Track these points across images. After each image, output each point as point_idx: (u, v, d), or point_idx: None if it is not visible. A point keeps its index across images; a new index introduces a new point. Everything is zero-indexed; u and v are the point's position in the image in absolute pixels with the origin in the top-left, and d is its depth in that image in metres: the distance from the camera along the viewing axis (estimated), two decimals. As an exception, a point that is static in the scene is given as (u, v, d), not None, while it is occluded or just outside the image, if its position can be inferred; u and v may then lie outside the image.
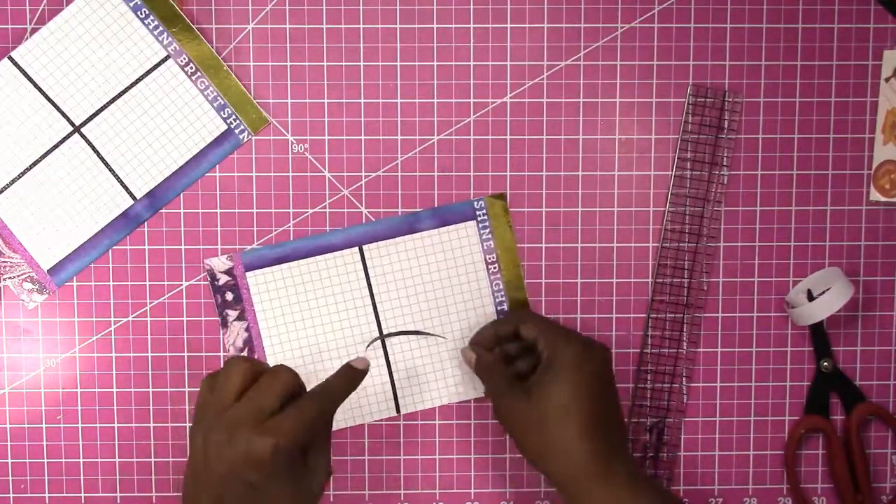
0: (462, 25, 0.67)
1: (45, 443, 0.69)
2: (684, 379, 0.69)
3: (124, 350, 0.68)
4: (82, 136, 0.66)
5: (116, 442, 0.69)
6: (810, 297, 0.67)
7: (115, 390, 0.68)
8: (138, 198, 0.67)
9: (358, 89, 0.67)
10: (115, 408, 0.68)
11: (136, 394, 0.68)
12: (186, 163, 0.67)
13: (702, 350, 0.69)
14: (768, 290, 0.69)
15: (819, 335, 0.69)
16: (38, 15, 0.67)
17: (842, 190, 0.69)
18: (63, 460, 0.69)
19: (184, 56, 0.66)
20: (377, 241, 0.68)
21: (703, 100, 0.67)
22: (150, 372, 0.68)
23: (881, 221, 0.69)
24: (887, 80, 0.67)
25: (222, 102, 0.67)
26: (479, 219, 0.68)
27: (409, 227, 0.68)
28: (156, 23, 0.66)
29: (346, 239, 0.68)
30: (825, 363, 0.69)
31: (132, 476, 0.69)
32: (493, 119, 0.68)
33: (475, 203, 0.68)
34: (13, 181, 0.66)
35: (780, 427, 0.70)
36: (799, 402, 0.70)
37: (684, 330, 0.69)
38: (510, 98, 0.68)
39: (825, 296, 0.65)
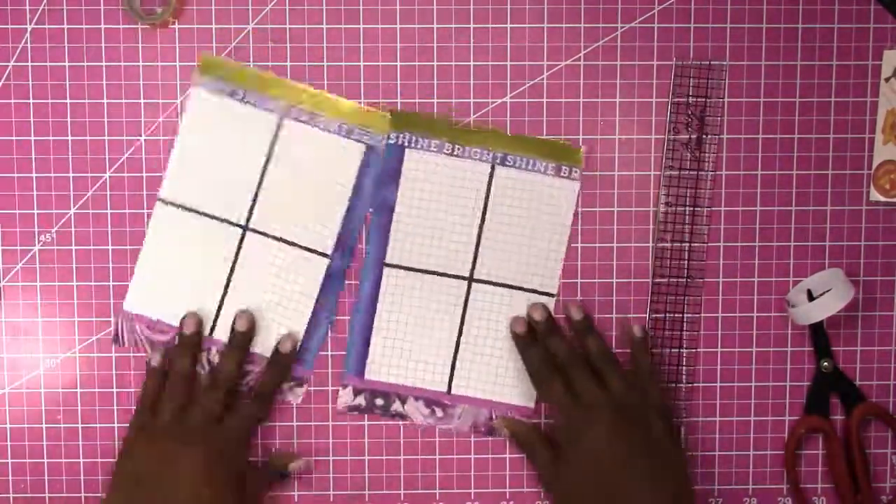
0: (462, 25, 0.67)
1: (45, 443, 0.69)
2: (685, 379, 0.69)
3: (124, 350, 0.68)
4: (254, 231, 0.67)
5: (116, 442, 0.69)
6: (810, 298, 0.67)
7: (115, 390, 0.68)
8: (329, 253, 0.67)
9: (358, 89, 0.67)
10: (115, 408, 0.68)
11: (135, 394, 0.68)
12: (351, 197, 0.67)
13: (702, 350, 0.69)
14: (768, 290, 0.69)
15: (819, 335, 0.69)
16: (38, 15, 0.67)
17: (842, 190, 0.69)
18: (63, 460, 0.69)
19: (291, 109, 0.66)
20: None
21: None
22: (150, 372, 0.68)
23: (881, 221, 0.69)
24: (887, 80, 0.67)
25: (348, 126, 0.67)
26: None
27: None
28: (255, 96, 0.66)
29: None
30: (825, 363, 0.69)
31: (132, 476, 0.69)
32: (493, 119, 0.68)
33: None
34: (221, 303, 0.67)
35: (780, 427, 0.70)
36: (799, 402, 0.70)
37: (684, 330, 0.69)
38: (510, 98, 0.68)
39: (825, 297, 0.65)
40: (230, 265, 0.67)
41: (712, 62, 0.67)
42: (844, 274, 0.67)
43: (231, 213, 0.67)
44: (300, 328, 0.68)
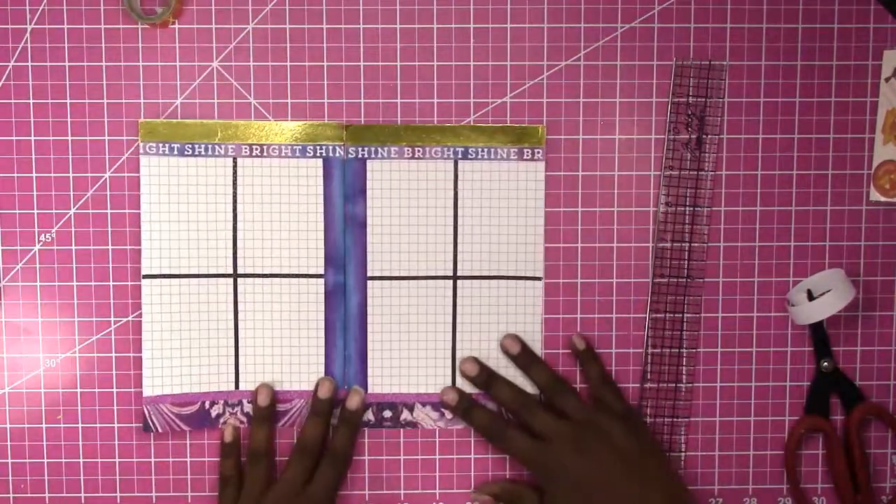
0: (462, 25, 0.67)
1: (44, 443, 0.69)
2: (685, 379, 0.69)
3: (124, 350, 0.68)
4: (245, 275, 0.67)
5: (116, 442, 0.69)
6: (810, 298, 0.67)
7: (115, 390, 0.68)
8: (322, 272, 0.67)
9: (358, 89, 0.67)
10: (115, 408, 0.68)
11: (135, 394, 0.68)
12: (324, 212, 0.67)
13: (702, 350, 0.69)
14: (768, 290, 0.69)
15: (819, 335, 0.69)
16: (38, 15, 0.67)
17: (842, 190, 0.69)
18: (63, 460, 0.69)
19: (242, 147, 0.67)
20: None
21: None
22: (150, 372, 0.68)
23: (881, 221, 0.69)
24: (887, 80, 0.67)
25: (301, 146, 0.67)
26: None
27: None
28: (203, 146, 0.66)
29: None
30: (825, 363, 0.69)
31: (132, 476, 0.69)
32: (493, 119, 0.68)
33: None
34: (237, 354, 0.68)
35: (780, 427, 0.70)
36: (799, 402, 0.70)
37: (684, 329, 0.69)
38: (510, 98, 0.68)
39: (825, 297, 0.65)
40: (233, 315, 0.67)
41: (712, 62, 0.67)
42: (844, 274, 0.67)
43: (217, 266, 0.67)
44: (319, 353, 0.68)
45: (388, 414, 0.69)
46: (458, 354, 0.68)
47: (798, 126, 0.68)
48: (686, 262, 0.69)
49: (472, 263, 0.68)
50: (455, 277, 0.68)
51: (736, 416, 0.70)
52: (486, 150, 0.67)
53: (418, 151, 0.67)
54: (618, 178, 0.68)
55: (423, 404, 0.69)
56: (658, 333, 0.69)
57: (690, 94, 0.68)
